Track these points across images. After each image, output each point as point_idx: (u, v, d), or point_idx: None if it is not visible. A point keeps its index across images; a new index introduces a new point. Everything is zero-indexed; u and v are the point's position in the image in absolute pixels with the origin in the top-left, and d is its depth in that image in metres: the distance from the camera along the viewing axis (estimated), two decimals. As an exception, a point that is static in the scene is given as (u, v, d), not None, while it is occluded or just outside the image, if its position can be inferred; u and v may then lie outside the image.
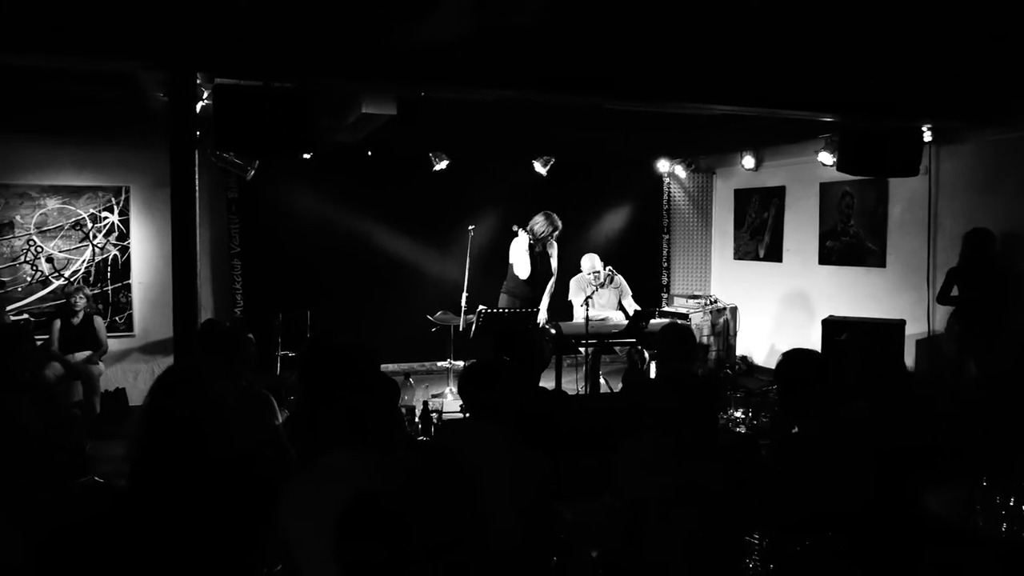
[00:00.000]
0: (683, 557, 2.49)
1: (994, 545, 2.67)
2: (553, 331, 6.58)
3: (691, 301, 8.89)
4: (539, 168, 8.39)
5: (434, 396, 6.91)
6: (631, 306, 7.26)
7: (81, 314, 6.74)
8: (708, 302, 8.80)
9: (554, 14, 3.51)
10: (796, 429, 3.02)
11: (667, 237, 9.66)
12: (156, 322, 7.37)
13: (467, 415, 2.89)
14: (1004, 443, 3.39)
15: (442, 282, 8.28)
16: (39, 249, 7.09)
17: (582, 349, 6.66)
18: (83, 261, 7.24)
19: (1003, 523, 2.72)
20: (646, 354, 6.52)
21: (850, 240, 7.73)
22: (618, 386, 6.76)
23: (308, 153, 7.26)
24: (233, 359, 3.71)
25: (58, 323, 6.69)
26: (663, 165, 9.31)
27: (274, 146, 4.24)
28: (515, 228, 7.08)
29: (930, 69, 4.98)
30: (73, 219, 7.18)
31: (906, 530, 2.68)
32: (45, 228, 7.10)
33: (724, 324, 8.75)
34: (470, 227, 7.31)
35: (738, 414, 4.56)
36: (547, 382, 6.20)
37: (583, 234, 8.88)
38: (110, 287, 7.33)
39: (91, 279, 7.22)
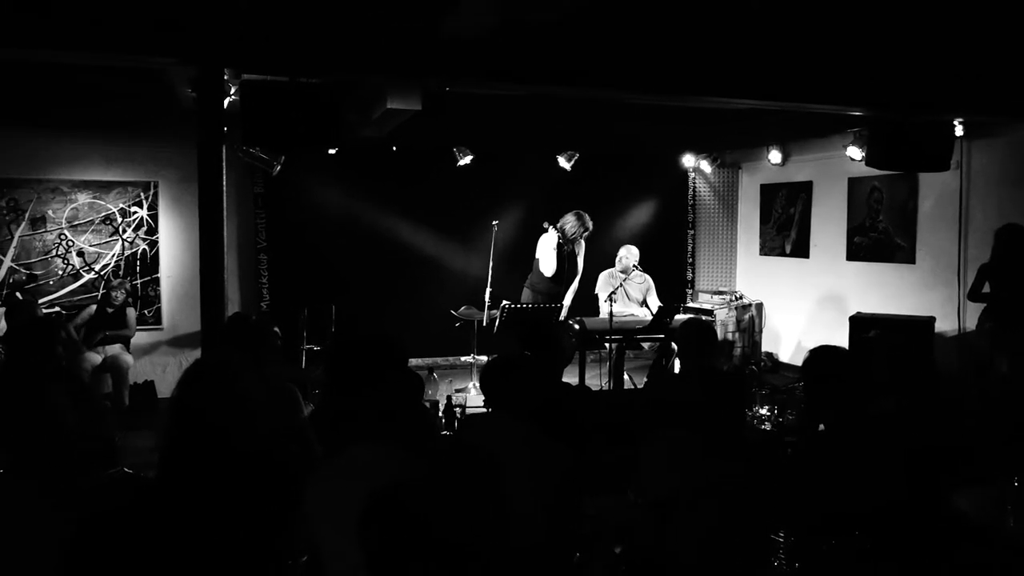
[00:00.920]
0: (707, 554, 2.48)
1: (1026, 546, 2.63)
2: (577, 326, 6.57)
3: (716, 297, 8.83)
4: (563, 163, 8.37)
5: (457, 391, 6.93)
6: (655, 303, 7.22)
7: (118, 305, 6.90)
8: (733, 298, 8.74)
9: (578, 8, 3.49)
10: (822, 427, 2.99)
11: (692, 233, 9.59)
12: (184, 315, 7.47)
13: (489, 409, 2.89)
14: (1036, 443, 3.33)
15: (466, 277, 8.30)
16: (70, 243, 7.21)
17: (606, 345, 6.64)
18: (113, 255, 7.35)
19: (1035, 524, 2.68)
20: (675, 347, 6.49)
21: (879, 236, 7.63)
22: (642, 382, 6.74)
23: (334, 148, 7.30)
24: (259, 353, 3.75)
25: (93, 308, 6.85)
26: (688, 160, 9.25)
27: (300, 141, 4.26)
28: (545, 224, 7.05)
29: (962, 62, 4.90)
30: (103, 214, 7.29)
31: (935, 530, 2.65)
32: (76, 222, 7.22)
33: (749, 320, 8.68)
34: (494, 222, 7.32)
35: (763, 411, 4.53)
36: (571, 377, 6.20)
37: (607, 229, 8.83)
38: (139, 281, 7.44)
39: (120, 273, 7.33)
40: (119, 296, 6.88)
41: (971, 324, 6.48)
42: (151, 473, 2.29)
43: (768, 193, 9.04)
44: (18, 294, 6.89)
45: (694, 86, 4.71)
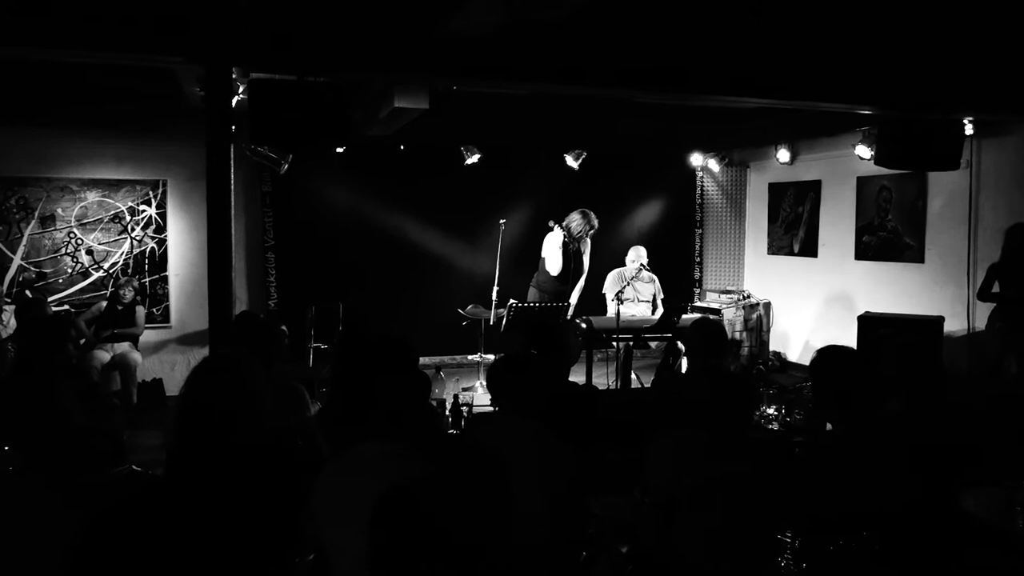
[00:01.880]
0: (713, 553, 2.47)
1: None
2: (584, 325, 6.56)
3: (724, 296, 8.81)
4: (571, 162, 8.36)
5: (464, 389, 6.93)
6: (660, 303, 7.21)
7: (127, 303, 6.93)
8: (741, 297, 8.71)
9: (585, 6, 3.48)
10: (830, 426, 2.98)
11: (700, 231, 9.57)
12: (192, 313, 7.50)
13: (496, 408, 2.89)
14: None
15: (473, 276, 8.30)
16: (79, 241, 7.24)
17: (614, 344, 6.63)
18: (122, 253, 7.38)
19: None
20: (681, 347, 6.48)
21: (887, 235, 7.60)
22: (649, 381, 6.73)
23: (341, 147, 7.32)
24: (267, 351, 3.76)
25: (104, 304, 6.89)
26: (696, 159, 9.23)
27: (308, 140, 4.27)
28: (551, 223, 7.05)
29: (971, 60, 4.87)
30: (112, 212, 7.33)
31: (943, 530, 2.63)
32: (85, 221, 7.25)
33: (757, 320, 8.66)
34: (501, 221, 7.32)
35: (771, 411, 4.52)
36: (578, 376, 6.20)
37: (615, 228, 8.83)
38: (147, 279, 7.47)
39: (129, 271, 7.36)
40: (128, 294, 6.91)
41: (981, 324, 6.45)
42: (159, 471, 2.31)
43: (776, 192, 9.01)
44: (28, 292, 6.93)
45: (703, 85, 4.70)
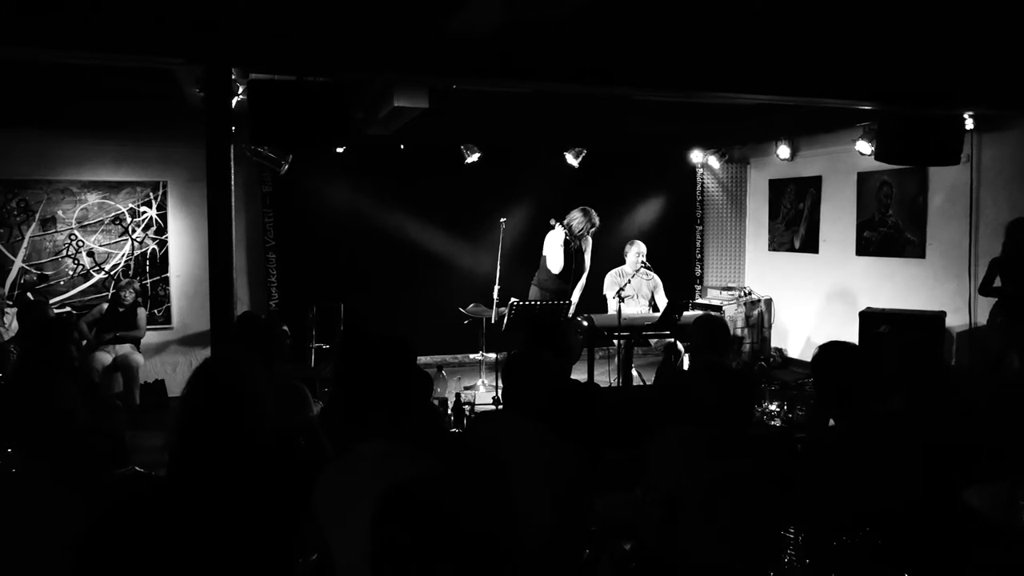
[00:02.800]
0: (717, 550, 2.47)
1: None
2: (585, 323, 6.56)
3: (725, 293, 8.81)
4: (571, 160, 8.35)
5: (466, 388, 6.94)
6: (662, 301, 7.20)
7: (128, 305, 6.94)
8: (742, 294, 8.71)
9: (585, 4, 3.48)
10: (832, 423, 2.98)
11: (700, 228, 9.57)
12: (194, 314, 7.50)
13: (499, 407, 2.89)
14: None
15: (474, 274, 8.30)
16: (80, 243, 7.25)
17: (615, 341, 6.63)
18: (123, 255, 7.39)
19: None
20: (680, 347, 6.48)
21: (888, 230, 7.59)
22: (651, 379, 6.73)
23: (341, 147, 7.31)
24: (268, 351, 3.76)
25: (105, 306, 6.90)
26: (696, 156, 9.22)
27: (308, 140, 4.27)
28: (552, 221, 7.04)
29: (971, 55, 4.86)
30: (113, 214, 7.33)
31: (947, 527, 2.63)
32: (86, 223, 7.25)
33: (758, 316, 8.65)
34: (502, 220, 7.31)
35: (773, 407, 4.52)
36: (579, 374, 6.19)
37: (616, 226, 8.82)
38: (148, 280, 7.48)
39: (130, 272, 7.37)
40: (129, 296, 6.92)
41: (982, 319, 6.45)
42: (162, 472, 2.31)
43: (777, 188, 9.00)
44: (29, 294, 6.93)
45: (703, 82, 4.69)
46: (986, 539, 2.62)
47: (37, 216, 7.11)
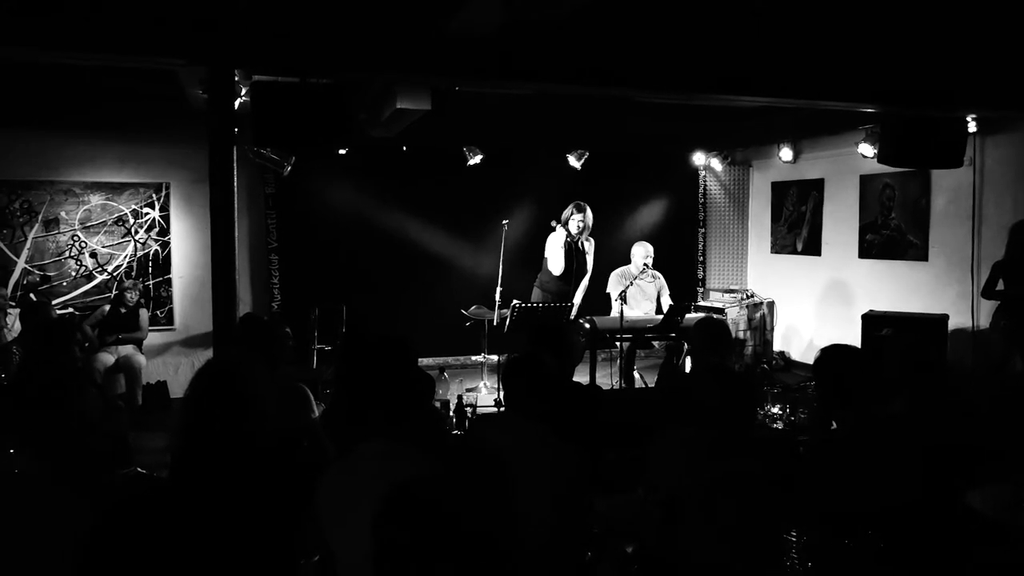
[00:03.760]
0: (718, 553, 2.47)
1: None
2: (587, 325, 6.56)
3: (727, 295, 8.80)
4: (573, 161, 8.36)
5: (468, 390, 6.93)
6: (667, 303, 7.20)
7: (131, 306, 6.95)
8: (744, 296, 8.70)
9: (587, 5, 3.48)
10: (834, 426, 2.98)
11: (703, 231, 9.56)
12: (196, 316, 7.51)
13: (501, 408, 2.90)
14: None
15: (476, 276, 8.30)
16: (83, 244, 7.26)
17: (617, 344, 6.63)
18: (125, 256, 7.40)
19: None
20: (685, 345, 6.47)
21: (891, 233, 7.59)
22: (653, 380, 6.72)
23: (344, 149, 7.32)
24: (271, 353, 3.76)
25: (107, 307, 6.91)
26: (699, 158, 9.22)
27: (311, 142, 4.28)
28: (553, 223, 7.05)
29: (974, 57, 4.86)
30: (116, 215, 7.34)
31: (949, 529, 2.63)
32: (89, 224, 7.27)
33: (761, 319, 8.65)
34: (504, 221, 7.32)
35: (775, 410, 4.52)
36: (581, 376, 6.19)
37: (618, 228, 8.82)
38: (151, 281, 7.48)
39: (133, 273, 7.38)
40: (132, 297, 6.94)
41: (985, 322, 6.44)
42: (164, 473, 2.31)
43: (779, 191, 9.00)
44: (32, 295, 6.94)
45: (705, 84, 4.69)
46: (988, 540, 2.62)
47: (40, 217, 7.12)
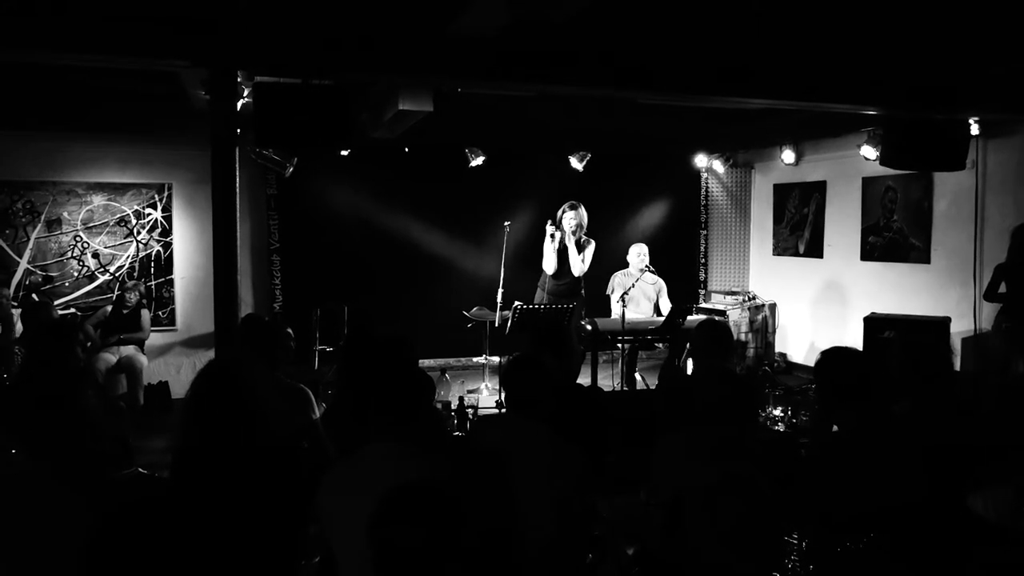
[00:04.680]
0: (720, 555, 2.47)
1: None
2: (589, 327, 6.56)
3: (729, 297, 8.80)
4: (575, 163, 8.36)
5: (470, 391, 6.93)
6: (666, 304, 7.19)
7: (132, 306, 6.95)
8: (746, 298, 8.70)
9: (590, 8, 3.48)
10: (836, 428, 2.97)
11: (705, 233, 9.56)
12: (198, 316, 7.52)
13: (503, 410, 2.89)
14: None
15: (478, 278, 8.30)
16: (85, 245, 7.27)
17: (619, 345, 6.62)
18: (128, 257, 7.40)
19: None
20: (686, 348, 6.47)
21: (893, 236, 7.58)
22: (654, 382, 6.72)
23: (346, 150, 7.33)
24: (272, 353, 3.76)
25: (109, 308, 6.91)
26: (701, 160, 9.21)
27: (313, 143, 4.29)
28: (548, 224, 7.06)
29: (977, 60, 4.85)
30: (118, 215, 7.35)
31: (951, 530, 2.62)
32: (91, 224, 7.28)
33: (763, 321, 8.64)
34: (506, 223, 7.32)
35: (777, 412, 4.52)
36: (583, 378, 6.19)
37: (620, 230, 8.82)
38: (153, 282, 7.49)
39: (135, 274, 7.38)
40: (133, 297, 6.93)
41: (987, 324, 6.43)
42: (165, 473, 2.31)
43: (781, 193, 8.99)
44: (35, 295, 6.95)
45: (708, 85, 4.69)
46: (989, 541, 2.62)
47: (43, 217, 7.13)
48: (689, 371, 6.08)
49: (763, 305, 8.68)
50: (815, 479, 2.73)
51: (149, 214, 7.44)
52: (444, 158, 8.02)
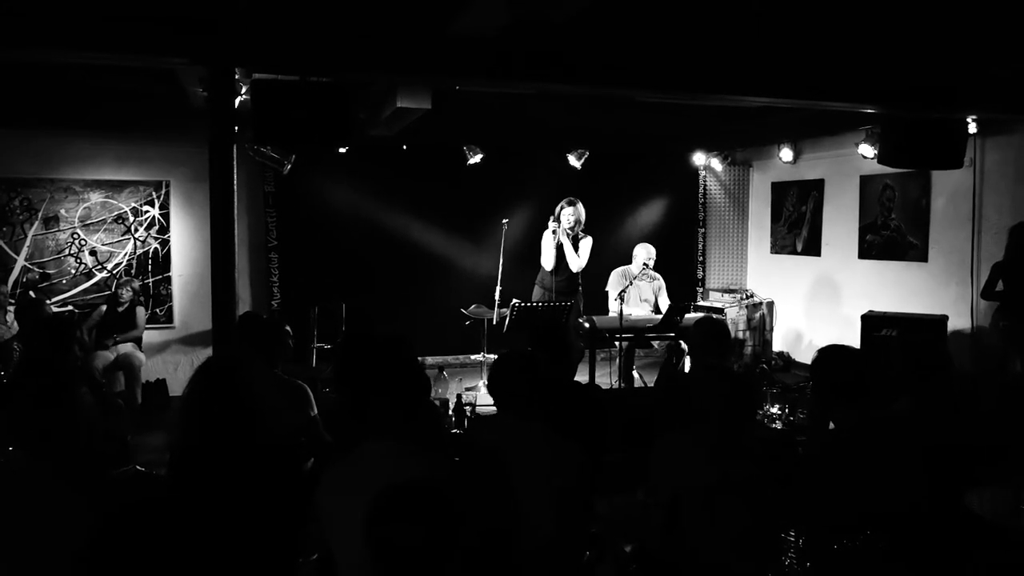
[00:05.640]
0: (717, 553, 2.47)
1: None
2: (587, 325, 6.56)
3: (727, 295, 8.80)
4: (573, 161, 8.35)
5: (467, 389, 6.92)
6: (664, 303, 7.20)
7: (127, 304, 6.91)
8: (744, 296, 8.70)
9: (588, 6, 3.48)
10: (832, 426, 2.98)
11: (703, 231, 9.56)
12: (195, 314, 7.51)
13: (498, 409, 2.87)
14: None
15: (476, 275, 8.29)
16: (83, 242, 7.25)
17: (616, 343, 6.62)
18: (125, 254, 7.39)
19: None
20: (684, 347, 6.47)
21: (891, 234, 7.59)
22: (652, 380, 6.72)
23: (344, 147, 7.32)
24: (271, 351, 3.77)
25: (103, 308, 6.89)
26: (699, 158, 9.21)
27: (311, 140, 4.27)
28: (550, 221, 7.06)
29: (975, 59, 4.85)
30: (115, 213, 7.34)
31: (949, 530, 2.63)
32: (89, 222, 7.26)
33: (760, 319, 8.65)
34: (504, 220, 7.32)
35: (774, 410, 4.52)
36: (581, 376, 6.18)
37: (618, 228, 8.82)
38: (151, 280, 7.48)
39: (133, 271, 7.37)
40: (127, 294, 6.89)
41: (984, 322, 6.44)
42: (163, 471, 2.31)
43: (779, 191, 9.00)
44: (32, 293, 6.94)
45: (706, 84, 4.69)
46: (988, 542, 2.62)
47: (40, 215, 7.12)
48: (687, 370, 6.08)
49: (761, 303, 8.68)
50: (813, 479, 2.73)
51: (147, 211, 7.43)
52: (442, 156, 8.01)
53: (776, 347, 8.87)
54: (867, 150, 7.01)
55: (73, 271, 7.25)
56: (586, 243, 7.03)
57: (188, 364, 7.43)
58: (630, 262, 7.23)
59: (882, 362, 3.32)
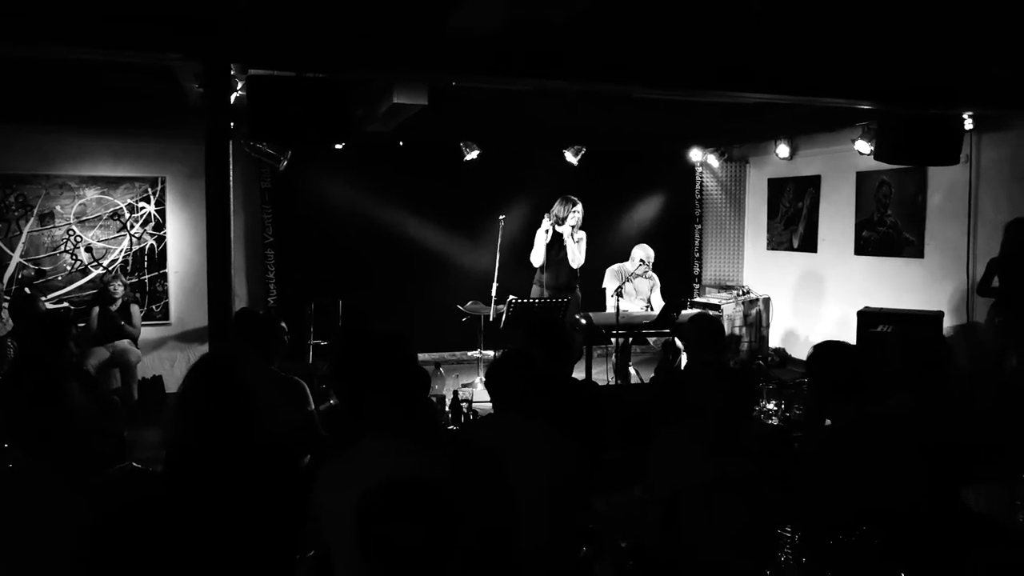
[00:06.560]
0: (714, 549, 2.47)
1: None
2: (584, 321, 6.56)
3: (723, 292, 8.81)
4: (570, 157, 8.34)
5: (464, 386, 6.92)
6: (657, 301, 7.20)
7: (119, 301, 6.87)
8: (740, 293, 8.71)
9: (586, 4, 3.47)
10: (828, 422, 2.98)
11: (699, 227, 9.57)
12: (191, 310, 7.50)
13: (495, 407, 2.87)
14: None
15: (472, 272, 8.29)
16: (78, 239, 7.23)
17: (612, 340, 6.62)
18: (121, 250, 7.37)
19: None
20: (679, 344, 6.48)
21: (887, 230, 7.60)
22: (648, 377, 6.73)
23: (340, 143, 7.29)
24: (267, 347, 3.76)
25: (97, 310, 6.82)
26: (696, 154, 9.22)
27: (307, 136, 4.27)
28: (544, 219, 7.07)
29: (972, 55, 4.86)
30: (111, 209, 7.32)
31: (946, 526, 2.63)
32: (84, 218, 7.24)
33: (757, 315, 8.65)
34: (500, 217, 7.31)
35: (771, 406, 4.52)
36: (577, 373, 6.18)
37: (614, 224, 8.83)
38: (147, 276, 7.47)
39: (128, 268, 7.36)
40: (118, 289, 6.82)
41: (980, 319, 6.45)
42: (159, 468, 2.30)
43: (776, 187, 9.00)
44: (27, 289, 6.92)
45: (704, 80, 4.68)
46: (985, 539, 2.63)
47: (35, 211, 7.10)
48: (683, 366, 6.09)
49: (757, 299, 8.69)
50: (810, 475, 2.73)
51: (142, 208, 7.41)
52: (439, 152, 8.00)
53: (772, 343, 8.89)
54: (863, 146, 7.02)
55: (69, 268, 7.23)
56: (583, 239, 7.04)
57: (184, 360, 7.42)
58: (627, 259, 7.24)
59: (878, 358, 3.31)
